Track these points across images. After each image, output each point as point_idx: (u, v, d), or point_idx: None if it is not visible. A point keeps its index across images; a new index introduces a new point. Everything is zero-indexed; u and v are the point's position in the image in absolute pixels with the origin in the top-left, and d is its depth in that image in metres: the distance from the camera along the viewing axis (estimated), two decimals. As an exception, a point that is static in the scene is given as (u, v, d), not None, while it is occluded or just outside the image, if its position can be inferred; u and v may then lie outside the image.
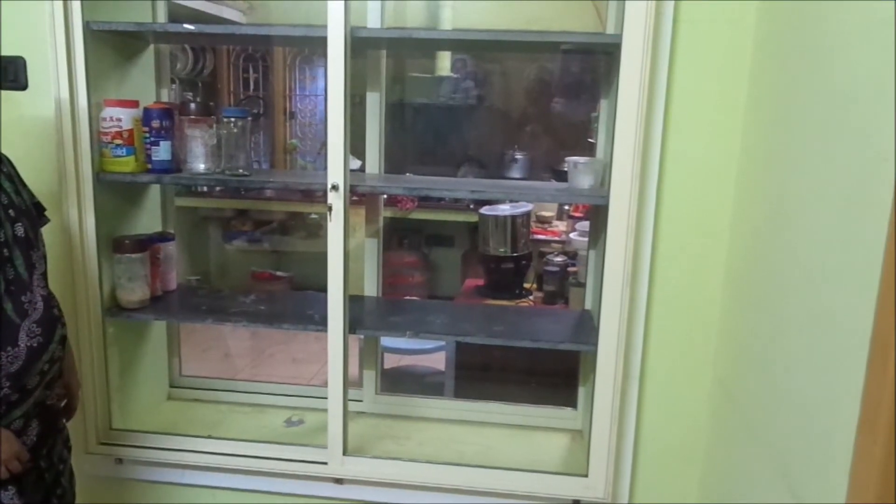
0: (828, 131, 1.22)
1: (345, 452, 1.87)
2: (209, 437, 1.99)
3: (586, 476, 1.82)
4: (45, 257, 1.49)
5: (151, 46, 2.07)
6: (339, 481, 1.94)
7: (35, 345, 1.41)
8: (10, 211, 1.42)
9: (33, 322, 1.41)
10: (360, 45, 1.83)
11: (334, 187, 1.70)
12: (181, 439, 1.97)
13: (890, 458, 0.96)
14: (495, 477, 1.86)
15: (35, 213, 1.51)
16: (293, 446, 1.93)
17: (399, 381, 3.23)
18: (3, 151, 1.47)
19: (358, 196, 1.86)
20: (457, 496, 1.91)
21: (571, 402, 2.18)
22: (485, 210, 2.96)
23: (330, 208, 1.70)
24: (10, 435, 1.40)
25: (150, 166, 1.87)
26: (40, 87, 1.75)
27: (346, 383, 1.83)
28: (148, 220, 2.13)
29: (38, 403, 1.46)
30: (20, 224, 1.42)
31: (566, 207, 3.85)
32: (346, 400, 1.84)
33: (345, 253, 1.74)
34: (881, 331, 0.98)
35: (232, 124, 1.90)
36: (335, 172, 1.70)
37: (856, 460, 1.03)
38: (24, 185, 1.52)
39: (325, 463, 1.88)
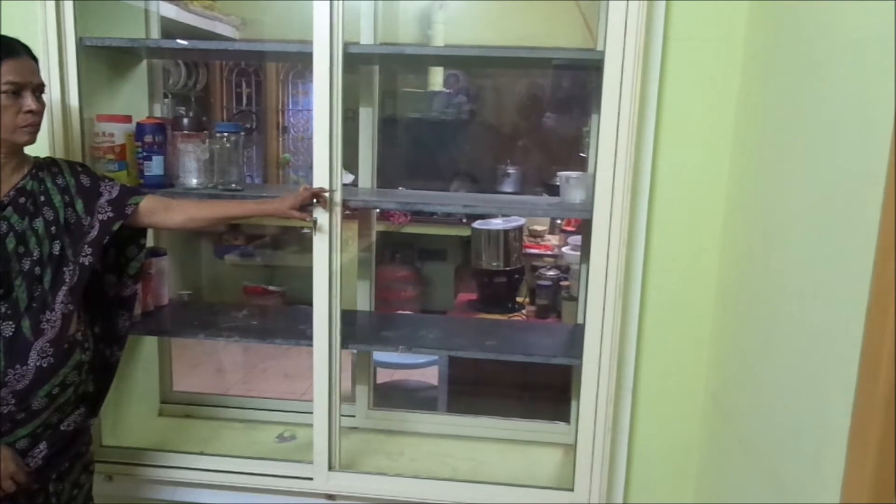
0: (817, 146, 1.23)
1: (330, 468, 1.86)
2: (201, 453, 1.97)
3: (572, 490, 1.82)
4: (85, 269, 1.45)
5: (144, 61, 2.08)
6: (330, 497, 1.93)
7: (45, 365, 1.38)
8: (53, 228, 1.41)
9: (47, 342, 1.38)
10: (352, 61, 1.84)
11: (317, 201, 1.70)
12: (172, 456, 1.95)
13: (881, 470, 0.96)
14: (485, 492, 1.85)
15: (89, 220, 1.48)
16: (279, 462, 1.92)
17: (392, 396, 3.21)
18: None
19: (350, 210, 1.86)
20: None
21: (564, 417, 2.17)
22: (477, 224, 2.97)
23: (315, 223, 1.71)
24: (10, 454, 1.36)
25: (142, 181, 1.87)
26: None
27: (334, 397, 1.82)
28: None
29: (48, 426, 1.43)
30: (58, 242, 1.41)
31: (558, 222, 3.86)
32: (332, 414, 1.83)
33: (330, 269, 1.74)
34: (871, 344, 0.99)
35: (224, 139, 1.91)
36: (321, 184, 1.70)
37: (847, 473, 1.03)
38: (91, 190, 1.49)
39: (311, 479, 1.87)
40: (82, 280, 1.45)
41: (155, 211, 1.59)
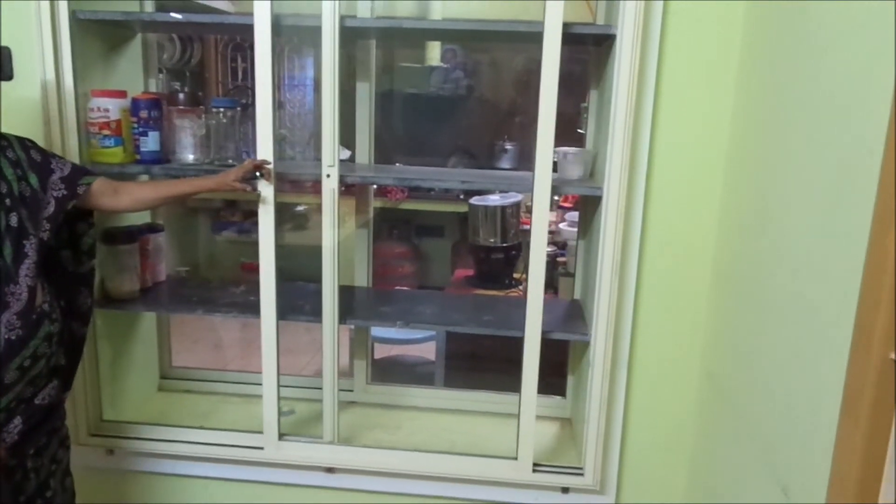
0: (814, 125, 1.23)
1: (280, 437, 1.90)
2: (201, 427, 1.99)
3: (581, 469, 1.84)
4: (44, 244, 1.45)
5: (139, 36, 2.05)
6: (330, 470, 1.96)
7: (14, 338, 1.37)
8: (7, 200, 1.40)
9: (14, 314, 1.37)
10: (349, 35, 1.82)
11: (261, 174, 1.71)
12: (173, 430, 1.97)
13: (871, 444, 0.98)
14: (483, 464, 1.87)
15: (44, 196, 1.47)
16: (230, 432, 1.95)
17: (389, 371, 3.24)
18: None
19: (347, 186, 1.86)
20: (448, 484, 1.93)
21: (560, 391, 2.19)
22: (475, 200, 2.97)
23: (259, 195, 1.72)
24: None
25: (138, 157, 1.86)
26: (27, 76, 1.73)
27: (278, 368, 1.84)
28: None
29: (21, 400, 1.43)
30: (14, 214, 1.40)
31: (556, 198, 3.86)
32: (277, 382, 1.86)
33: (273, 243, 1.79)
34: (864, 321, 1.00)
35: (221, 114, 1.90)
36: (265, 155, 1.71)
37: (838, 447, 1.05)
38: (42, 165, 1.48)
39: (262, 448, 1.91)
40: (41, 254, 1.45)
41: (104, 193, 1.59)
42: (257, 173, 1.69)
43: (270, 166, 1.70)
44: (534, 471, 1.84)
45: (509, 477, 1.87)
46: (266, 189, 1.72)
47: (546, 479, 1.86)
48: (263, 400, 1.87)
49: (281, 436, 1.90)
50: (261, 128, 1.70)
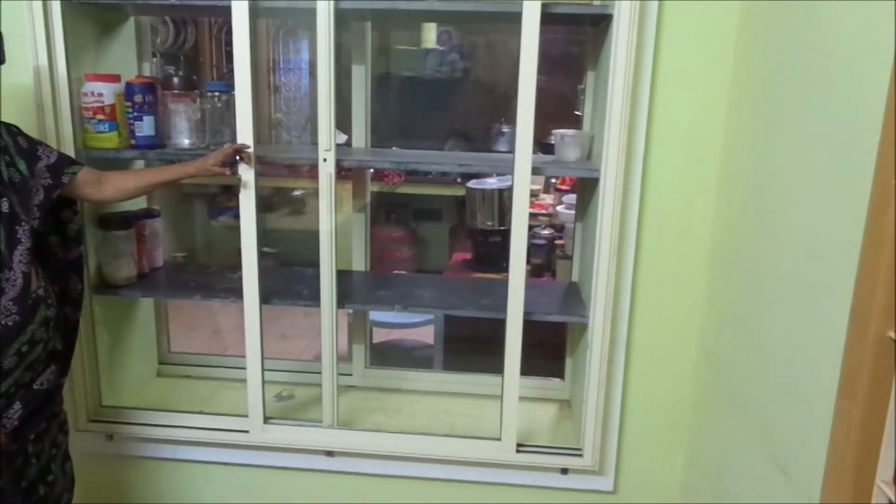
0: (812, 105, 1.22)
1: (265, 420, 1.91)
2: (200, 412, 2.00)
3: (580, 451, 1.85)
4: (33, 231, 1.45)
5: (132, 19, 2.03)
6: (330, 454, 1.97)
7: (10, 323, 1.38)
8: None
9: (10, 300, 1.38)
10: (344, 18, 1.80)
11: (241, 158, 1.70)
12: (172, 415, 1.98)
13: (869, 423, 0.98)
14: (482, 446, 1.89)
15: (34, 182, 1.47)
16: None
17: (388, 355, 3.25)
18: None
19: (344, 170, 1.85)
20: (444, 467, 1.94)
21: (559, 373, 2.20)
22: (472, 184, 2.96)
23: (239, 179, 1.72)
24: None
25: (133, 142, 1.85)
26: (19, 60, 1.71)
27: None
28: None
29: (20, 386, 1.43)
30: (6, 200, 1.40)
31: (553, 180, 3.85)
32: (261, 365, 1.85)
33: (256, 226, 1.78)
34: (861, 301, 1.00)
35: (216, 98, 1.88)
36: (245, 139, 1.71)
37: (835, 424, 1.06)
38: (29, 151, 1.48)
39: (247, 431, 1.92)
40: (33, 241, 1.46)
41: (89, 183, 1.59)
42: (237, 157, 1.69)
43: (250, 150, 1.70)
44: (517, 451, 1.86)
45: (492, 457, 1.88)
46: (247, 173, 1.72)
47: (531, 459, 1.87)
48: (248, 383, 1.88)
49: (266, 419, 1.91)
50: (240, 112, 1.70)
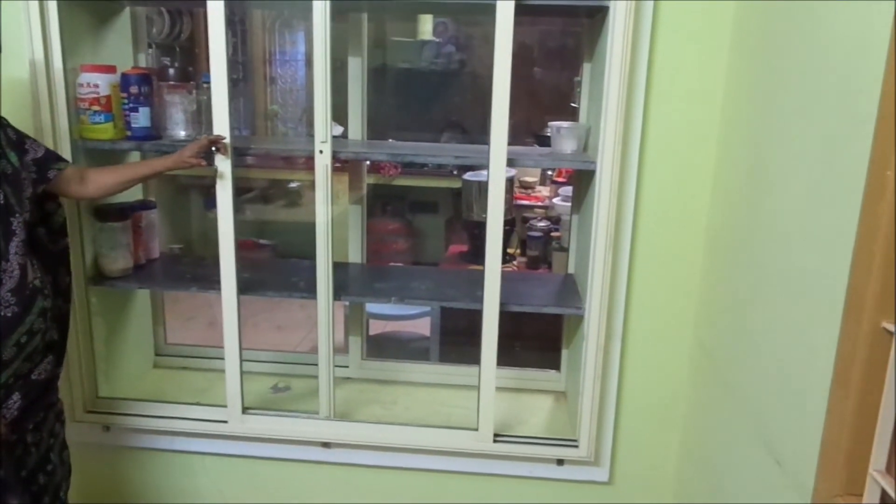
0: (807, 96, 1.23)
1: (244, 411, 1.92)
2: (197, 403, 2.00)
3: (575, 442, 1.86)
4: (27, 223, 1.45)
5: (127, 9, 2.02)
6: (326, 445, 1.97)
7: (9, 314, 1.38)
8: None
9: (7, 291, 1.38)
10: (340, 8, 1.80)
11: (217, 149, 1.70)
12: (169, 406, 1.98)
13: (862, 413, 0.99)
14: (482, 438, 1.89)
15: (25, 174, 1.47)
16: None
17: (385, 347, 3.25)
18: None
19: (341, 163, 1.85)
20: (442, 457, 1.95)
21: (555, 365, 2.21)
22: (468, 176, 2.96)
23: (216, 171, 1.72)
24: None
25: (129, 133, 1.85)
26: (14, 51, 1.71)
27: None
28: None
29: (19, 376, 1.44)
30: (0, 192, 1.40)
31: (549, 172, 3.86)
32: (239, 356, 1.85)
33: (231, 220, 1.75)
34: (855, 292, 1.00)
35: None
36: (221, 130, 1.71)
37: (829, 414, 1.06)
38: (18, 144, 1.48)
39: (226, 421, 1.93)
40: (27, 232, 1.46)
41: (72, 180, 1.60)
42: (214, 148, 1.69)
43: (226, 141, 1.71)
44: (494, 441, 1.87)
45: (469, 447, 1.89)
46: (223, 164, 1.72)
47: (508, 449, 1.89)
48: (226, 374, 1.89)
49: (245, 409, 1.92)
50: (216, 103, 1.70)
